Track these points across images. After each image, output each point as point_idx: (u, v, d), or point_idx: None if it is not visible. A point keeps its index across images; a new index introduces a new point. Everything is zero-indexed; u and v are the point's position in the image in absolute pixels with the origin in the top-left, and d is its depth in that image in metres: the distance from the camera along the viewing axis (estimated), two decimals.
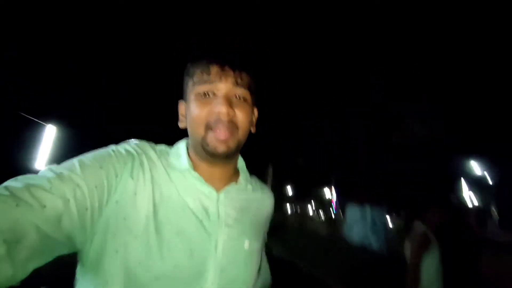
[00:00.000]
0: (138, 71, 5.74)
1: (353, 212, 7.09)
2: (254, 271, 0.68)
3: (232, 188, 0.70)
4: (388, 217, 7.50)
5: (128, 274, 0.52)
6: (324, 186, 13.97)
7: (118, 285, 0.52)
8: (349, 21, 5.56)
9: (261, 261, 0.75)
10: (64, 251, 0.50)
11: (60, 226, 0.46)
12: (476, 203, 9.46)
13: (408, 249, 2.15)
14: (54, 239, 0.46)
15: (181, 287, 0.55)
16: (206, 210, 0.63)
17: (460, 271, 2.00)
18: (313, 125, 8.68)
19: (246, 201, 0.72)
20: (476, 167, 9.35)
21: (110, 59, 5.38)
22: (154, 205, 0.58)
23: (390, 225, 8.47)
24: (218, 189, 0.67)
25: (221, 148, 0.62)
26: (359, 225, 6.60)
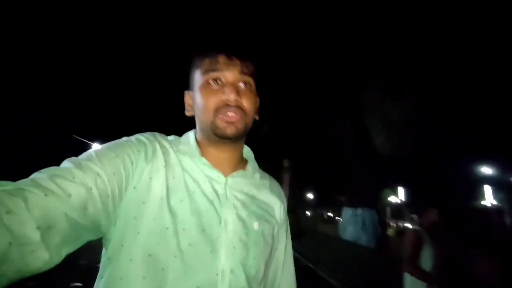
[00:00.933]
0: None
1: (346, 214, 7.47)
2: (266, 252, 0.70)
3: (239, 173, 0.73)
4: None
5: (149, 253, 0.56)
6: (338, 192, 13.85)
7: (141, 264, 0.55)
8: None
9: (284, 258, 0.79)
10: (92, 236, 0.53)
11: (86, 212, 0.49)
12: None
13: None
14: (82, 225, 0.49)
15: (197, 264, 0.58)
16: (216, 192, 0.66)
17: (451, 270, 2.03)
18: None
19: (253, 187, 0.75)
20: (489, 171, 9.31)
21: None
22: (168, 188, 0.61)
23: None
24: (226, 174, 0.70)
25: (230, 129, 0.66)
26: (352, 225, 6.92)
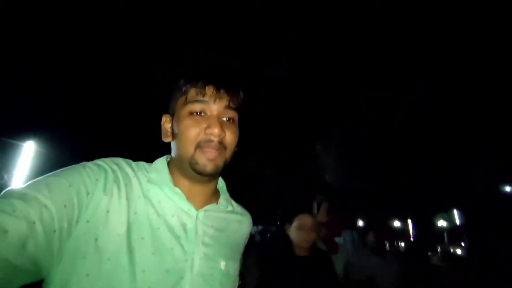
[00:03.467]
0: (121, 86, 5.67)
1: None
2: None
3: (212, 207, 0.70)
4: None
5: None
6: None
7: None
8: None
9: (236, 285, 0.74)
10: (27, 279, 0.46)
11: (24, 251, 0.43)
12: None
13: None
14: (17, 267, 0.42)
15: None
16: (184, 227, 0.62)
17: None
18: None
19: (224, 221, 0.72)
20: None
21: (93, 74, 5.30)
22: (128, 224, 0.56)
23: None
24: (197, 207, 0.67)
25: (209, 167, 0.63)
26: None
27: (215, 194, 0.76)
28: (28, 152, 5.03)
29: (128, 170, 0.64)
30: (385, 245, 2.69)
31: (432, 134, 8.02)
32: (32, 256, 0.44)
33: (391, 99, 7.66)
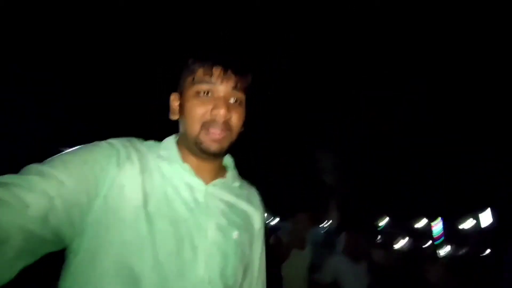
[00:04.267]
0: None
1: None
2: (244, 262, 0.69)
3: (219, 182, 0.72)
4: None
5: (123, 265, 0.52)
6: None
7: (113, 277, 0.51)
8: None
9: (258, 269, 0.76)
10: (53, 248, 0.50)
11: (46, 223, 0.46)
12: None
13: None
14: (41, 237, 0.45)
15: (176, 274, 0.55)
16: (195, 200, 0.64)
17: None
18: None
19: (233, 195, 0.74)
20: None
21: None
22: (144, 195, 0.58)
23: None
24: (206, 182, 0.68)
25: (214, 147, 0.64)
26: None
27: (223, 170, 0.78)
28: None
29: (140, 146, 0.66)
30: (358, 248, 2.50)
31: (432, 134, 8.02)
32: (55, 228, 0.47)
33: (391, 99, 7.66)
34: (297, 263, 2.27)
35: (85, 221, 0.53)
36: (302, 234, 2.38)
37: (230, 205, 0.71)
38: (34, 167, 0.50)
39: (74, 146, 0.59)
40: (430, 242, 10.36)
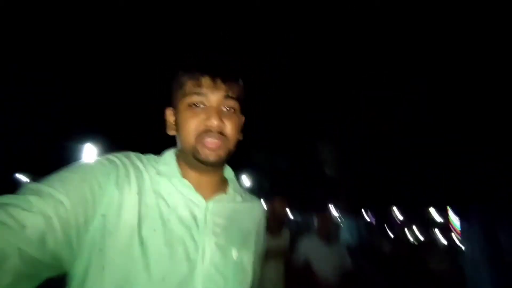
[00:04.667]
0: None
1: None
2: (244, 283, 0.66)
3: (220, 197, 0.70)
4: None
5: None
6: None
7: None
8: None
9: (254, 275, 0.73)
10: (51, 272, 0.48)
11: (44, 246, 0.44)
12: None
13: None
14: (39, 261, 0.44)
15: None
16: (194, 218, 0.62)
17: None
18: None
19: (234, 211, 0.72)
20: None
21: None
22: (140, 217, 0.57)
23: None
24: (206, 198, 0.67)
25: (212, 156, 0.64)
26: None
27: (224, 184, 0.76)
28: (89, 153, 5.15)
29: (138, 163, 0.65)
30: (329, 229, 2.67)
31: (432, 134, 8.01)
32: (53, 250, 0.46)
33: (391, 99, 7.66)
34: (273, 246, 2.33)
35: (82, 243, 0.52)
36: (278, 218, 2.50)
37: (231, 222, 0.69)
38: (31, 186, 0.49)
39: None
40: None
